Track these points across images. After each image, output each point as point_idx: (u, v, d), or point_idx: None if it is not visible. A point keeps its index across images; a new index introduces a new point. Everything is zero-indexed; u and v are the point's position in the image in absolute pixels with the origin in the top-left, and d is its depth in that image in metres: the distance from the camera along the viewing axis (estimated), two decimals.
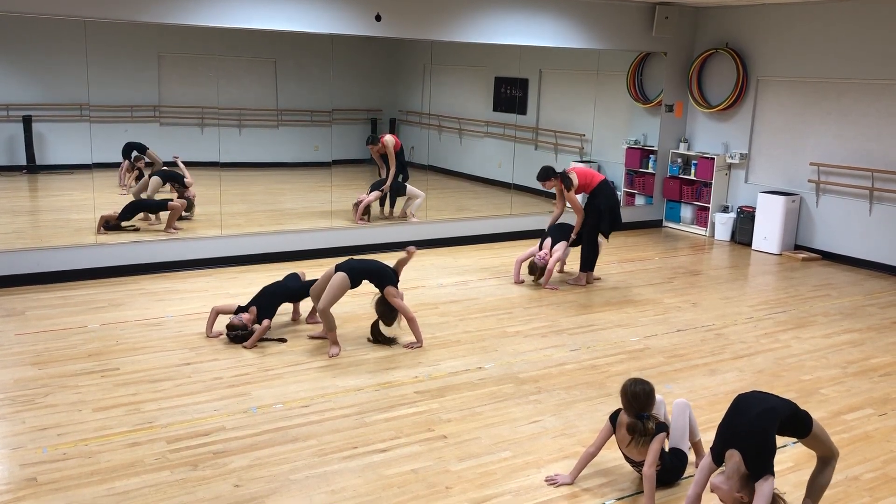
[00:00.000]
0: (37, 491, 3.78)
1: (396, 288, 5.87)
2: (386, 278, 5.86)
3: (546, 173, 7.73)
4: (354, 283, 5.79)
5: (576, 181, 7.69)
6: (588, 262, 7.89)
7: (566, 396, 5.13)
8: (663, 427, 3.87)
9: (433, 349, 5.91)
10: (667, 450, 4.04)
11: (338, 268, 5.80)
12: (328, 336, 5.77)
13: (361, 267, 5.87)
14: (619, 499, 3.91)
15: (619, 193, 11.02)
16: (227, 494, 3.81)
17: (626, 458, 4.00)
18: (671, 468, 4.01)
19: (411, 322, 5.90)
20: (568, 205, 7.81)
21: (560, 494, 3.92)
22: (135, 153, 10.37)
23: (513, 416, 4.81)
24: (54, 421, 4.52)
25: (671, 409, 4.19)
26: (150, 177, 9.38)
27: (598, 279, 8.06)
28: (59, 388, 4.97)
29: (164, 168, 9.81)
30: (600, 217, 7.74)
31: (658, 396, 4.09)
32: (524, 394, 5.14)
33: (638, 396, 3.87)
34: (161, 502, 3.72)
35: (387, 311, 5.90)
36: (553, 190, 7.86)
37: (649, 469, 3.76)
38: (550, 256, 7.67)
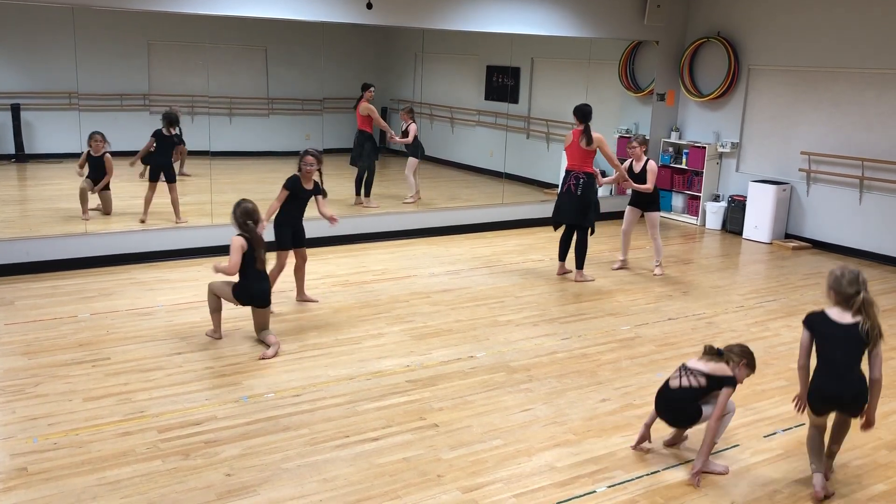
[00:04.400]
0: (27, 481, 3.77)
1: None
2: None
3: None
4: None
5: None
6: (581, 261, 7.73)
7: (557, 385, 5.15)
8: (732, 381, 4.02)
9: (425, 338, 5.91)
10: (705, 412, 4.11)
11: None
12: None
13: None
14: (609, 486, 3.93)
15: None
16: (218, 483, 3.81)
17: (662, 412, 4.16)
18: (694, 416, 4.12)
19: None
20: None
21: (552, 482, 3.94)
22: (91, 132, 9.72)
23: (504, 404, 4.83)
24: (45, 411, 4.51)
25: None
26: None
27: (570, 271, 7.86)
28: (49, 377, 4.96)
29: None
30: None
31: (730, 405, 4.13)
32: (515, 382, 5.16)
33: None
34: (152, 492, 3.72)
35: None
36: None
37: (714, 422, 3.97)
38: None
